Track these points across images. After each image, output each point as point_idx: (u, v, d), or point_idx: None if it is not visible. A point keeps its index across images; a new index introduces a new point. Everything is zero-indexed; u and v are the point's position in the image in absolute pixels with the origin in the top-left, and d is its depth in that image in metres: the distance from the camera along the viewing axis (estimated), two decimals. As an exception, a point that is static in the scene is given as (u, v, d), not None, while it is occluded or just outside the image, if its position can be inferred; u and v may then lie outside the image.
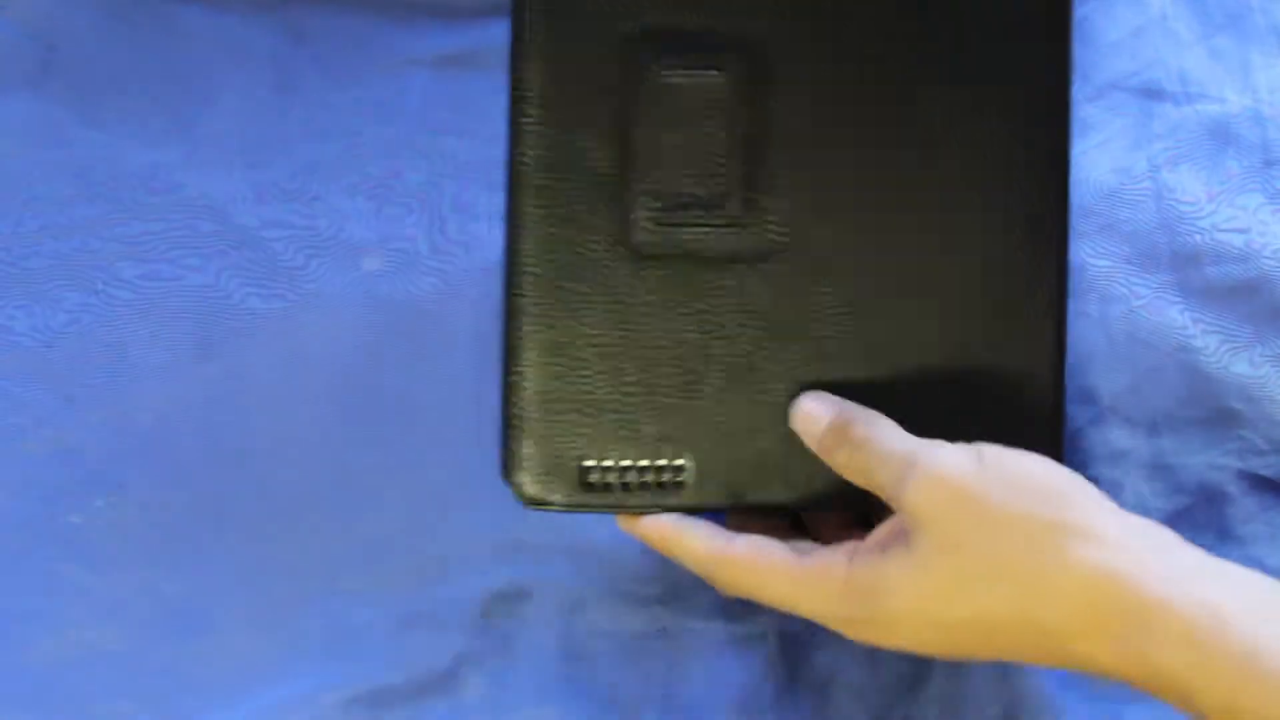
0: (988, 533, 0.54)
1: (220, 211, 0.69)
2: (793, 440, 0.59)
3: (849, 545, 0.57)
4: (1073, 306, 0.67)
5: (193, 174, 0.70)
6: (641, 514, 0.59)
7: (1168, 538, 0.55)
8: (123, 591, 0.61)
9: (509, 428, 0.59)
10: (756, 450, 0.59)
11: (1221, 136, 0.71)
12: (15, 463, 0.63)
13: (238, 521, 0.63)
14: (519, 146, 0.60)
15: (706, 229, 0.60)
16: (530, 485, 0.59)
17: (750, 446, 0.59)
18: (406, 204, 0.70)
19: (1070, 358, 0.66)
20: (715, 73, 0.60)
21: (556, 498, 0.59)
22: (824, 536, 0.60)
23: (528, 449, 0.59)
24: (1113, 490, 0.64)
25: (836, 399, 0.59)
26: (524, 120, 0.60)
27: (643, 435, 0.59)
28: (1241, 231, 0.69)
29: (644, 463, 0.59)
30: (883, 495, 0.57)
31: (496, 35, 0.74)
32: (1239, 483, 0.64)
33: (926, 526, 0.54)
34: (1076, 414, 0.65)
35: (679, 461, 0.59)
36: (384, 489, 0.63)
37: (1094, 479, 0.64)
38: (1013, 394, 0.60)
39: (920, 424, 0.59)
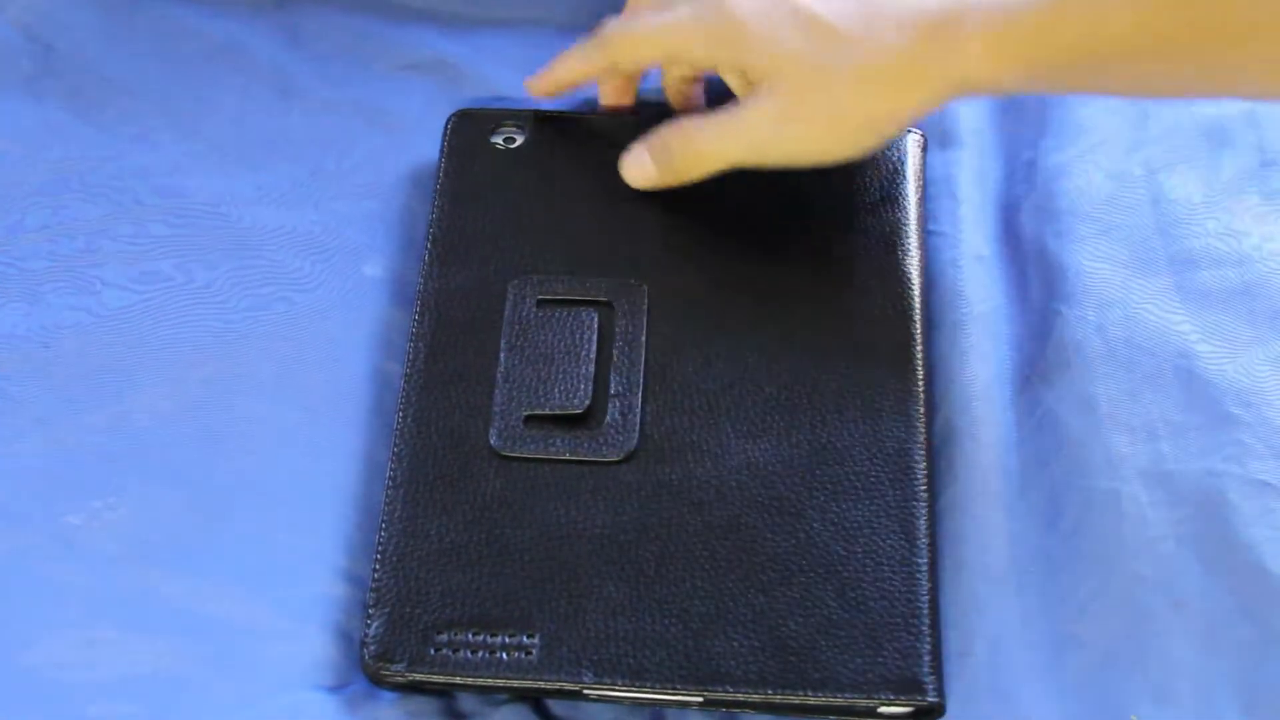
0: None
1: (219, 213, 0.69)
2: (645, 628, 0.60)
3: None
4: (1071, 311, 0.67)
5: (191, 176, 0.70)
6: (488, 690, 0.60)
7: None
8: (121, 592, 0.61)
9: (366, 601, 0.61)
10: (610, 633, 0.60)
11: (1217, 138, 0.72)
12: (13, 463, 0.63)
13: (236, 523, 0.63)
14: (409, 354, 0.65)
15: (569, 438, 0.63)
16: (378, 656, 0.59)
17: (604, 629, 0.60)
18: (407, 210, 0.70)
19: (1068, 365, 0.66)
20: (587, 308, 0.65)
21: (402, 666, 0.59)
22: None
23: (379, 623, 0.60)
24: (1110, 500, 0.64)
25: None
26: (412, 342, 0.65)
27: (496, 615, 0.60)
28: (1238, 234, 0.69)
29: (495, 638, 0.59)
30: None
31: (494, 41, 0.74)
32: (1240, 488, 0.64)
33: None
34: (1075, 423, 0.65)
35: (528, 639, 0.59)
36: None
37: (1092, 488, 0.64)
38: (876, 607, 0.60)
39: (784, 632, 0.60)
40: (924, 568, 0.61)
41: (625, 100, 0.71)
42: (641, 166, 0.68)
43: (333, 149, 0.71)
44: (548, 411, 0.63)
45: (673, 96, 0.71)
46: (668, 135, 0.67)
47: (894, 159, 0.69)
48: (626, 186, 0.68)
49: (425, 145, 0.71)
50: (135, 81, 0.72)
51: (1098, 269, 0.68)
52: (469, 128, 0.70)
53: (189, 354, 0.66)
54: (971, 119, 0.73)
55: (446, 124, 0.71)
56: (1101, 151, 0.71)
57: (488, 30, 0.75)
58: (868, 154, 0.66)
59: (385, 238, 0.69)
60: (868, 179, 0.69)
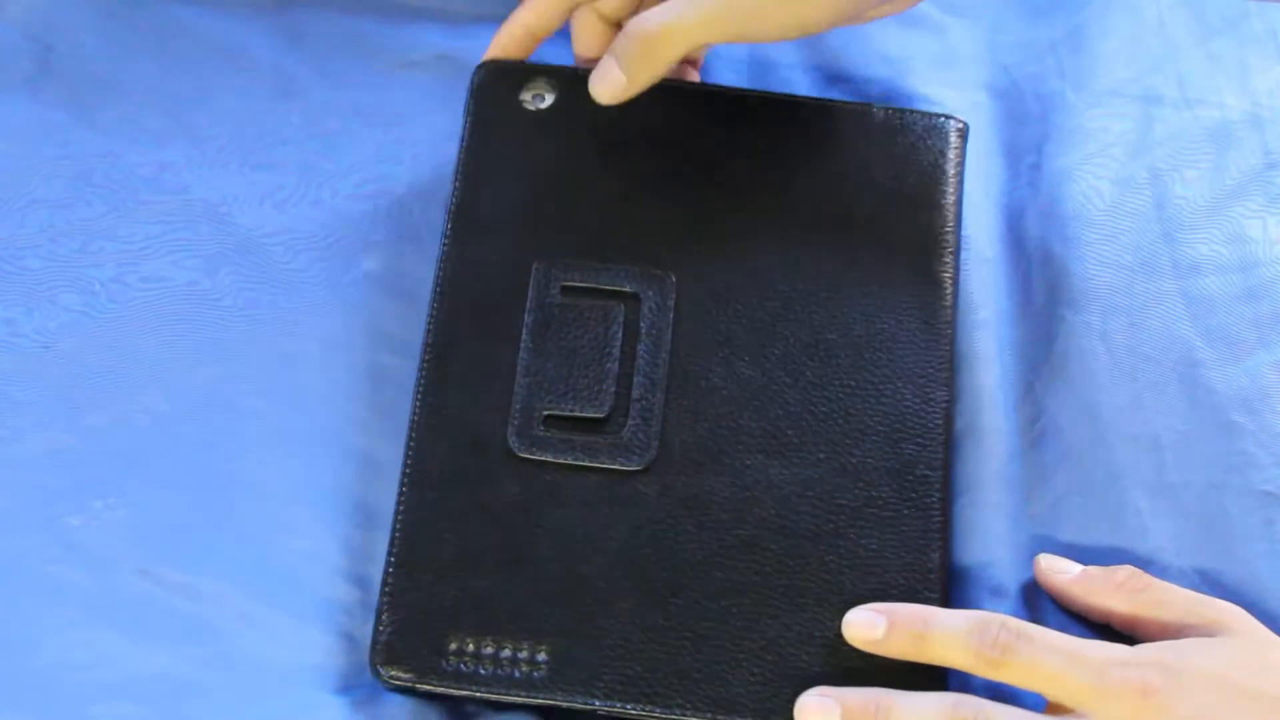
0: None
1: (219, 213, 0.69)
2: (656, 650, 0.59)
3: None
4: (1075, 317, 0.67)
5: (191, 175, 0.70)
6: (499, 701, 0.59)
7: None
8: (122, 593, 0.61)
9: (379, 605, 0.60)
10: (621, 653, 0.59)
11: (1222, 141, 0.71)
12: (13, 464, 0.63)
13: (237, 523, 0.63)
14: (426, 335, 0.64)
15: (589, 443, 0.62)
16: (389, 661, 0.59)
17: (615, 648, 0.59)
18: (406, 206, 0.69)
19: (1072, 372, 0.66)
20: (613, 301, 0.64)
21: (412, 676, 0.59)
22: None
23: (391, 628, 0.59)
24: (1113, 513, 0.64)
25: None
26: (430, 325, 0.64)
27: (508, 625, 0.59)
28: (1243, 238, 0.69)
29: (505, 651, 0.59)
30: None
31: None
32: (1241, 501, 0.64)
33: None
34: (1078, 432, 0.65)
35: (539, 655, 0.59)
36: (387, 490, 0.63)
37: (1094, 499, 0.64)
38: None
39: (794, 663, 0.59)
40: (935, 605, 0.60)
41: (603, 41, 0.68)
42: (610, 78, 0.63)
43: (332, 148, 0.71)
44: (569, 413, 0.62)
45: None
46: (627, 27, 0.63)
47: (935, 151, 0.67)
48: (658, 160, 0.66)
49: (425, 143, 0.70)
50: (135, 81, 0.71)
51: (1102, 276, 0.68)
52: (496, 83, 0.68)
53: (189, 354, 0.66)
54: (973, 120, 0.72)
55: (473, 77, 0.68)
56: (1106, 156, 0.71)
57: (488, 29, 0.74)
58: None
59: (384, 234, 0.69)
60: (908, 172, 0.67)
